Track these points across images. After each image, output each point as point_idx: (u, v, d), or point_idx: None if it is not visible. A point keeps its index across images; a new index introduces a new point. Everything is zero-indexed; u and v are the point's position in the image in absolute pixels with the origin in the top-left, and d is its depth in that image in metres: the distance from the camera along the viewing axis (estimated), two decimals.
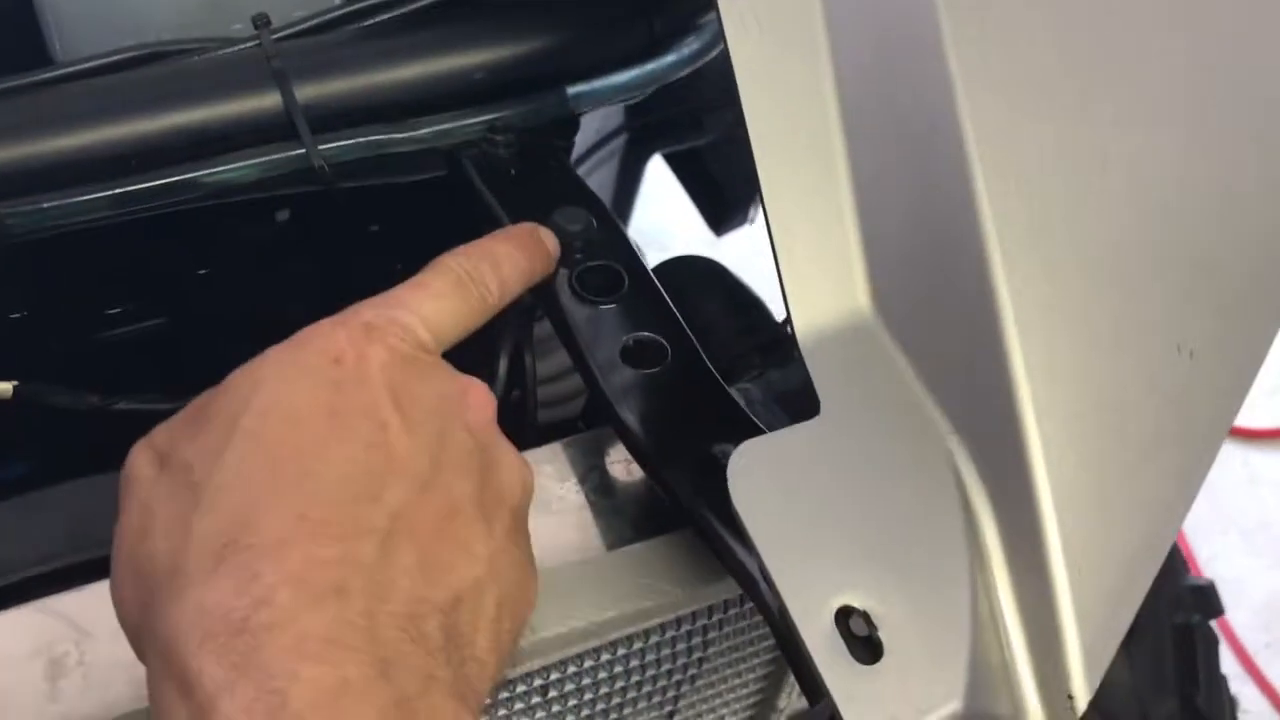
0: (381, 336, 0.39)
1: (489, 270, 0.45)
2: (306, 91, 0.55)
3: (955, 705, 0.36)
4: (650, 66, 0.60)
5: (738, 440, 0.41)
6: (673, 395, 0.45)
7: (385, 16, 0.59)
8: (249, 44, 0.56)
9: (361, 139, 0.56)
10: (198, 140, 0.54)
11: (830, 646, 0.35)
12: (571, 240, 0.50)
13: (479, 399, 0.40)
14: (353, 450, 0.35)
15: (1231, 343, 0.41)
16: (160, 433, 0.38)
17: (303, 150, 0.54)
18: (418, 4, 0.59)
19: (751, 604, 0.39)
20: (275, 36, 0.57)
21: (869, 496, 0.39)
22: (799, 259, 0.41)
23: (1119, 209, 0.41)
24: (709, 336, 0.57)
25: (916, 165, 0.41)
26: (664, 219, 1.62)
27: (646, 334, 0.47)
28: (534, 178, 0.56)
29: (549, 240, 0.49)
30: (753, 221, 1.20)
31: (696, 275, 0.62)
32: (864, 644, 0.36)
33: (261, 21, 0.57)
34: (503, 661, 0.36)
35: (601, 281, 0.49)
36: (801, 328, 0.41)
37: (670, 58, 0.61)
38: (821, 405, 0.40)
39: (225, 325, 0.63)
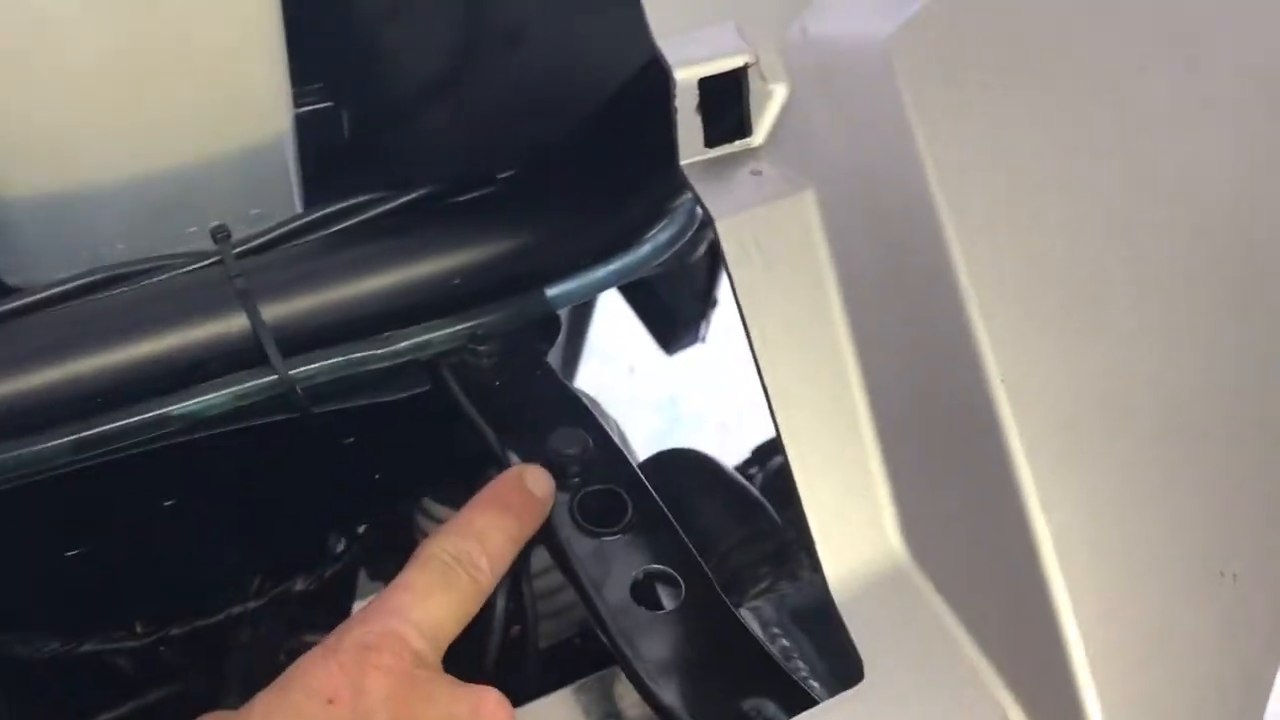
0: (377, 659, 0.37)
1: (475, 548, 0.43)
2: (275, 311, 0.52)
3: None
4: (628, 259, 0.58)
5: (770, 694, 0.39)
6: (692, 639, 0.43)
7: (351, 222, 0.57)
8: (210, 262, 0.54)
9: (338, 359, 0.53)
10: (166, 372, 0.51)
11: None
12: (568, 464, 0.48)
13: (491, 712, 0.38)
14: None
15: (1274, 563, 0.40)
16: None
17: (275, 375, 0.52)
18: (385, 207, 0.57)
19: None
20: (237, 251, 0.54)
21: None
22: (824, 503, 0.39)
23: (1148, 427, 0.40)
24: (711, 545, 0.55)
25: (938, 392, 0.40)
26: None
27: (657, 567, 0.45)
28: (520, 389, 0.53)
29: (539, 485, 0.46)
30: (704, 340, 1.19)
31: (691, 473, 0.60)
32: None
33: (221, 235, 0.54)
34: None
35: (604, 508, 0.47)
36: (834, 580, 0.39)
37: (646, 249, 0.59)
38: (865, 668, 0.37)
39: (195, 551, 0.59)
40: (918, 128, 0.39)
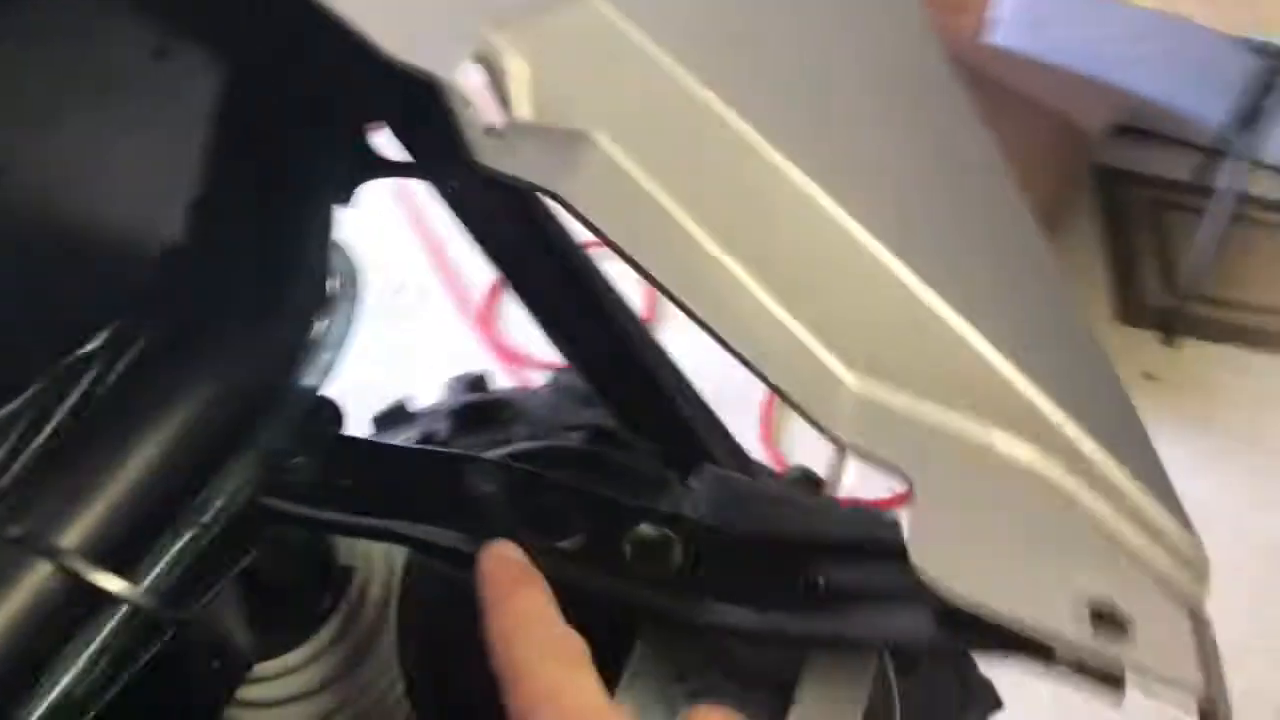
0: None
1: (534, 611, 0.42)
2: (72, 536, 0.43)
3: None
4: None
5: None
6: None
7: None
8: None
9: (171, 550, 0.45)
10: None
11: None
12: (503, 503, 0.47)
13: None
14: None
15: None
16: None
17: (124, 604, 0.43)
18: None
19: None
20: None
21: None
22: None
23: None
24: None
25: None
26: None
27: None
28: (367, 472, 0.50)
29: (511, 551, 0.44)
30: None
31: None
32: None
33: None
34: None
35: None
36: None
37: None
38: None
39: None
40: None
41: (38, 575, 0.42)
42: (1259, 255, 2.91)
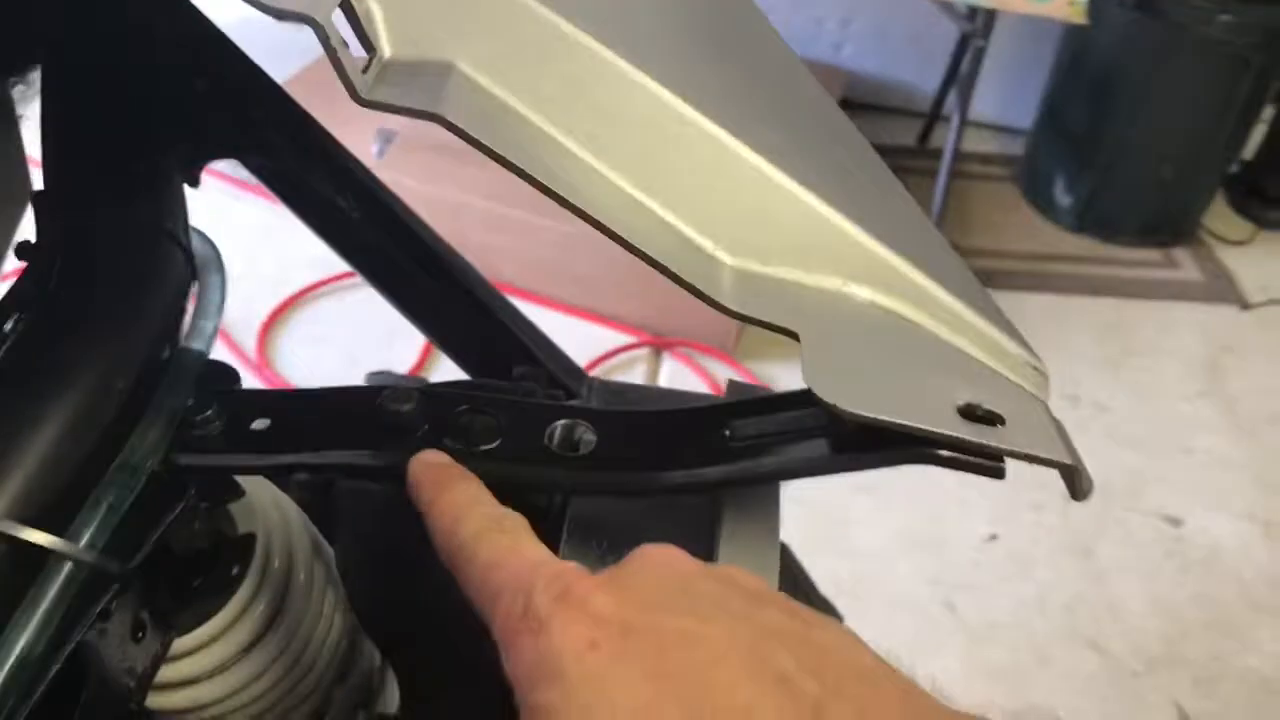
0: (584, 591, 0.36)
1: (480, 509, 0.43)
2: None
3: None
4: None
5: None
6: None
7: None
8: None
9: (102, 506, 0.46)
10: None
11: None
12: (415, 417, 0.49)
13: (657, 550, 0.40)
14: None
15: None
16: None
17: (67, 562, 0.43)
18: None
19: None
20: None
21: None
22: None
23: None
24: None
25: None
26: None
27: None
28: (287, 414, 0.51)
29: (438, 457, 0.47)
30: None
31: None
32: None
33: None
34: None
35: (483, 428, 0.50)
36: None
37: None
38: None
39: None
40: None
41: None
42: (977, 204, 3.17)
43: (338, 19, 0.44)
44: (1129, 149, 2.89)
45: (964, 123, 2.69)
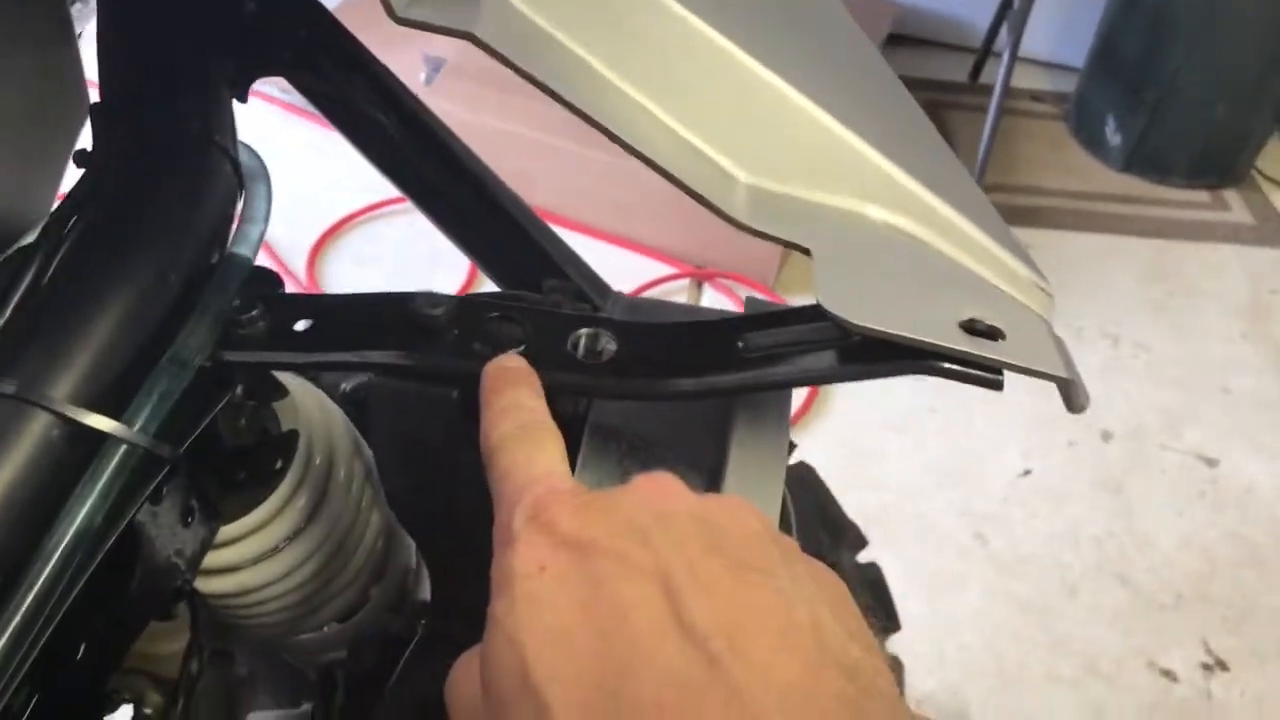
0: (546, 515, 0.38)
1: (525, 415, 0.45)
2: (62, 388, 0.47)
3: None
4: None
5: None
6: None
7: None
8: None
9: (157, 390, 0.49)
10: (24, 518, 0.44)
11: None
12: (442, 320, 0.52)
13: (660, 480, 0.41)
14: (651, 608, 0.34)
15: None
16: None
17: (123, 445, 0.47)
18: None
19: None
20: None
21: None
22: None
23: None
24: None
25: None
26: None
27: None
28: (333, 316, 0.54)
29: (511, 360, 0.49)
30: None
31: None
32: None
33: None
34: None
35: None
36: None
37: None
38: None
39: None
40: None
41: (38, 424, 0.46)
42: (1025, 142, 3.14)
43: None
44: (1183, 87, 2.85)
45: (1015, 59, 2.66)
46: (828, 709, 0.31)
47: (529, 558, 0.37)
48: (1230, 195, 3.03)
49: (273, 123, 2.60)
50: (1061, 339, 0.51)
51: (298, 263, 2.41)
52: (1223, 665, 1.85)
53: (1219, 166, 3.03)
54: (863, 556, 1.24)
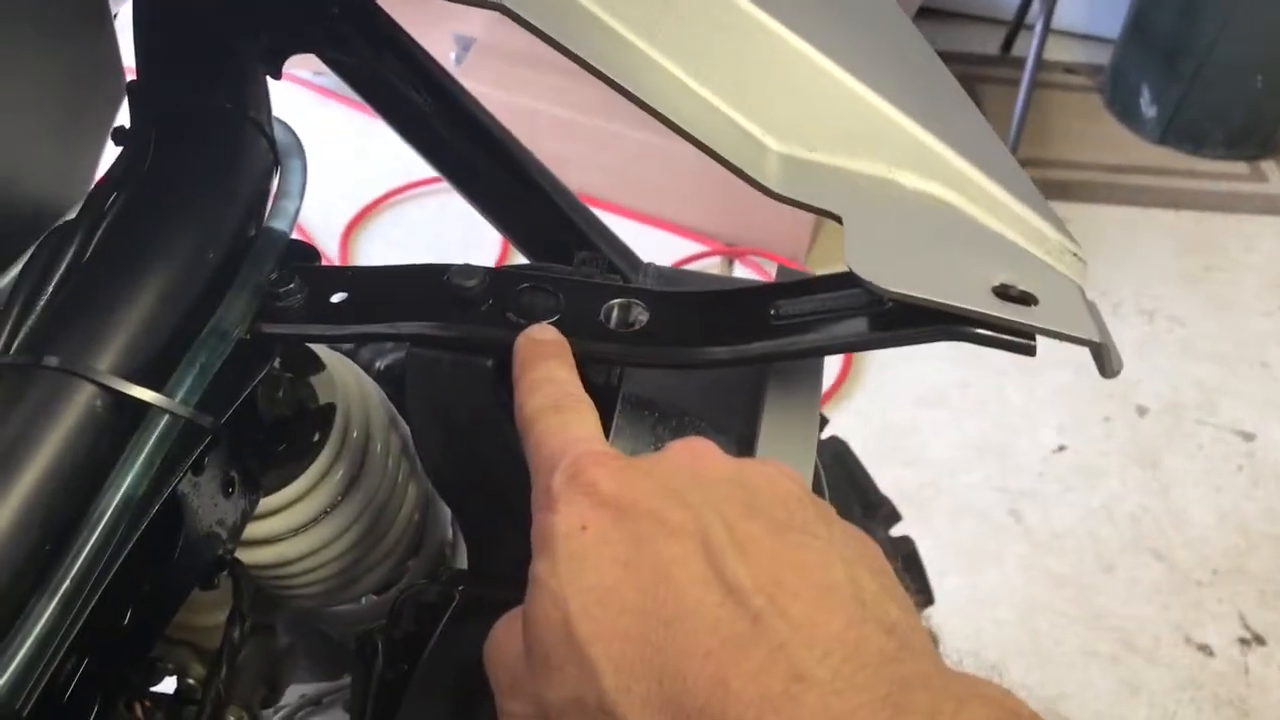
0: (585, 476, 0.38)
1: (559, 387, 0.45)
2: (108, 359, 0.48)
3: None
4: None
5: None
6: None
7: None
8: None
9: (199, 360, 0.50)
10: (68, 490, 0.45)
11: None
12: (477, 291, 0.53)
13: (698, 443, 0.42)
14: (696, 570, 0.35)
15: None
16: None
17: (165, 415, 0.48)
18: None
19: None
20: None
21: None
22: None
23: None
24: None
25: None
26: None
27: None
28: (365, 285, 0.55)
29: (544, 332, 0.49)
30: None
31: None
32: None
33: None
34: None
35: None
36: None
37: None
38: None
39: None
40: None
41: (83, 396, 0.47)
42: (1058, 114, 3.11)
43: None
44: (1219, 57, 2.81)
45: (1048, 31, 2.63)
46: (869, 663, 0.32)
47: (571, 518, 0.37)
48: (1268, 166, 2.99)
49: (305, 106, 2.62)
50: (1094, 303, 0.51)
51: (330, 245, 2.43)
52: (1260, 640, 1.84)
53: (1256, 137, 2.98)
54: (895, 531, 1.24)
